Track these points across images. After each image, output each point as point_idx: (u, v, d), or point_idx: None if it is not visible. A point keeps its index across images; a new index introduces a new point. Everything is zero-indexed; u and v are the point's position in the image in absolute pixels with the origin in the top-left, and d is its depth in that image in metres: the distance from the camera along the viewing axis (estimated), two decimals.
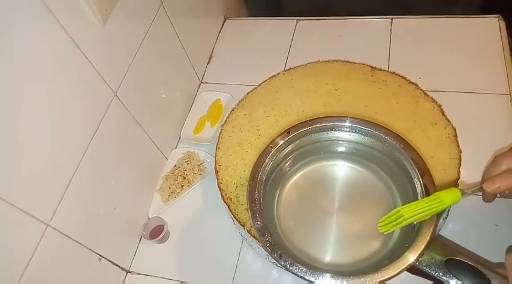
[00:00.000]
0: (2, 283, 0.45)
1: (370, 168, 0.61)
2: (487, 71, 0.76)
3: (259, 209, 0.53)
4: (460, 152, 0.61)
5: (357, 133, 0.59)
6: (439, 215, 0.55)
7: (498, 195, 0.47)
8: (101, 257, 0.60)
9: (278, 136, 0.59)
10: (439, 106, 0.67)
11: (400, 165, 0.56)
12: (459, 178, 0.59)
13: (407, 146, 0.55)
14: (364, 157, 0.61)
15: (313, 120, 0.60)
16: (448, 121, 0.65)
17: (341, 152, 0.63)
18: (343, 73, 0.75)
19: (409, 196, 0.54)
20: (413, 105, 0.68)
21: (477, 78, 0.75)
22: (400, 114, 0.67)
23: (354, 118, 0.60)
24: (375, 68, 0.75)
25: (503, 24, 0.81)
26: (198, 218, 0.71)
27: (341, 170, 0.62)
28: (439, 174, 0.59)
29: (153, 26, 0.68)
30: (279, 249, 0.48)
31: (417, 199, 0.52)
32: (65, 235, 0.52)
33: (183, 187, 0.74)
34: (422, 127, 0.65)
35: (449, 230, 0.61)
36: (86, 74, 0.54)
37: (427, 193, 0.50)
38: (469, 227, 0.61)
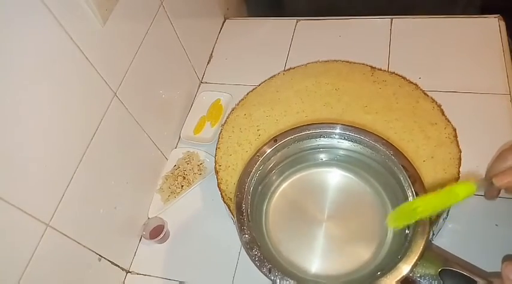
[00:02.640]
0: (2, 283, 0.45)
1: (360, 175, 0.59)
2: (487, 71, 0.76)
3: (247, 221, 0.51)
4: (460, 152, 0.61)
5: (347, 140, 0.58)
6: (437, 217, 0.55)
7: (503, 191, 0.46)
8: (100, 257, 0.60)
9: (265, 144, 0.58)
10: (439, 106, 0.67)
11: (392, 172, 0.55)
12: (459, 178, 0.59)
13: (398, 153, 0.54)
14: (354, 165, 0.60)
15: (300, 127, 0.58)
16: (448, 121, 0.65)
17: (330, 160, 0.61)
18: (343, 73, 0.75)
19: (400, 204, 0.53)
20: (413, 105, 0.68)
21: (477, 78, 0.75)
22: (400, 114, 0.67)
23: (343, 124, 0.57)
24: (375, 67, 0.75)
25: (503, 24, 0.81)
26: (198, 218, 0.71)
27: (331, 178, 0.61)
28: (439, 174, 0.59)
29: (153, 26, 0.68)
30: (269, 263, 0.47)
31: None
32: (65, 235, 0.52)
33: (183, 187, 0.74)
34: (422, 127, 0.65)
35: (449, 230, 0.61)
36: (86, 74, 0.54)
37: None
38: (469, 227, 0.61)
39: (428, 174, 0.59)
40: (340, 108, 0.70)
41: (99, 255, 0.60)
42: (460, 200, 0.43)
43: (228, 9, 1.01)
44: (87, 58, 0.53)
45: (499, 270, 0.40)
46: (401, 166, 0.53)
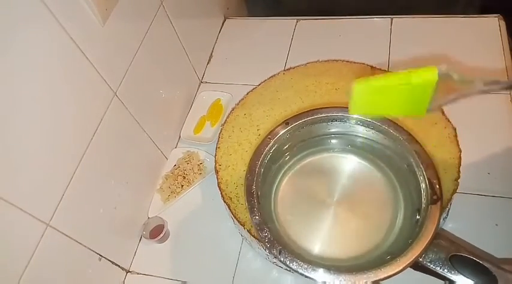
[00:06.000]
0: (2, 283, 0.45)
1: (371, 160, 0.59)
2: (487, 70, 0.76)
3: (257, 203, 0.51)
4: (460, 152, 0.61)
5: (358, 124, 0.57)
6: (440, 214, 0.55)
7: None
8: (101, 257, 0.60)
9: (277, 127, 0.58)
10: None
11: (403, 157, 0.54)
12: (459, 177, 0.58)
13: (411, 139, 0.53)
14: (365, 150, 0.59)
15: (312, 111, 0.58)
16: (448, 121, 0.65)
17: (341, 145, 0.61)
18: (343, 73, 0.75)
19: (411, 189, 0.53)
20: None
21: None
22: None
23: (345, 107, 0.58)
24: (375, 67, 0.75)
25: (503, 24, 0.81)
26: (198, 218, 0.71)
27: (341, 163, 0.61)
28: (439, 174, 0.59)
29: (153, 26, 0.68)
30: (279, 245, 0.47)
31: (420, 195, 0.50)
32: (65, 235, 0.52)
33: (183, 187, 0.74)
34: (422, 127, 0.64)
35: (449, 230, 0.61)
36: (86, 74, 0.54)
37: (432, 187, 0.49)
38: (469, 227, 0.61)
39: None
40: None
41: (99, 255, 0.60)
42: (416, 84, 0.38)
43: (228, 9, 1.01)
44: (87, 58, 0.53)
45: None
46: (414, 151, 0.52)
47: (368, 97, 0.39)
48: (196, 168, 0.75)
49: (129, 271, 0.68)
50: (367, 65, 0.76)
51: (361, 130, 0.58)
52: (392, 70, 0.76)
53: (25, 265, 0.46)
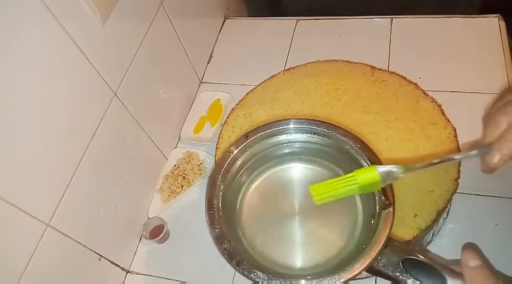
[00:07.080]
0: (2, 283, 0.45)
1: (329, 168, 0.59)
2: (487, 70, 0.76)
3: (218, 215, 0.52)
4: (460, 152, 0.61)
5: (315, 134, 0.58)
6: (437, 217, 0.55)
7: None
8: (100, 257, 0.60)
9: (236, 141, 0.58)
10: (439, 106, 0.67)
11: (358, 165, 0.55)
12: (459, 177, 0.59)
13: (364, 146, 0.54)
14: (322, 158, 0.60)
15: (270, 124, 0.58)
16: (448, 121, 0.65)
17: (300, 154, 0.61)
18: (343, 73, 0.75)
19: (368, 194, 0.54)
20: (413, 104, 0.68)
21: (477, 78, 0.75)
22: (400, 114, 0.67)
23: (310, 119, 0.57)
24: (375, 67, 0.75)
25: (503, 24, 0.81)
26: (198, 218, 0.71)
27: (300, 172, 0.60)
28: (439, 174, 0.59)
29: (153, 26, 0.68)
30: (238, 256, 0.48)
31: (375, 197, 0.51)
32: (65, 235, 0.52)
33: (183, 187, 0.74)
34: (422, 127, 0.65)
35: (449, 230, 0.61)
36: (86, 74, 0.54)
37: (383, 191, 0.50)
38: (469, 227, 0.61)
39: (428, 174, 0.59)
40: (340, 108, 0.70)
41: (99, 255, 0.60)
42: (361, 185, 0.45)
43: (228, 9, 1.01)
44: (87, 58, 0.53)
45: (498, 269, 0.41)
46: (367, 159, 0.52)
47: (326, 194, 0.47)
48: (196, 168, 0.75)
49: (129, 271, 0.68)
50: (367, 65, 0.76)
51: (318, 139, 0.58)
52: (392, 70, 0.76)
53: (25, 265, 0.46)
